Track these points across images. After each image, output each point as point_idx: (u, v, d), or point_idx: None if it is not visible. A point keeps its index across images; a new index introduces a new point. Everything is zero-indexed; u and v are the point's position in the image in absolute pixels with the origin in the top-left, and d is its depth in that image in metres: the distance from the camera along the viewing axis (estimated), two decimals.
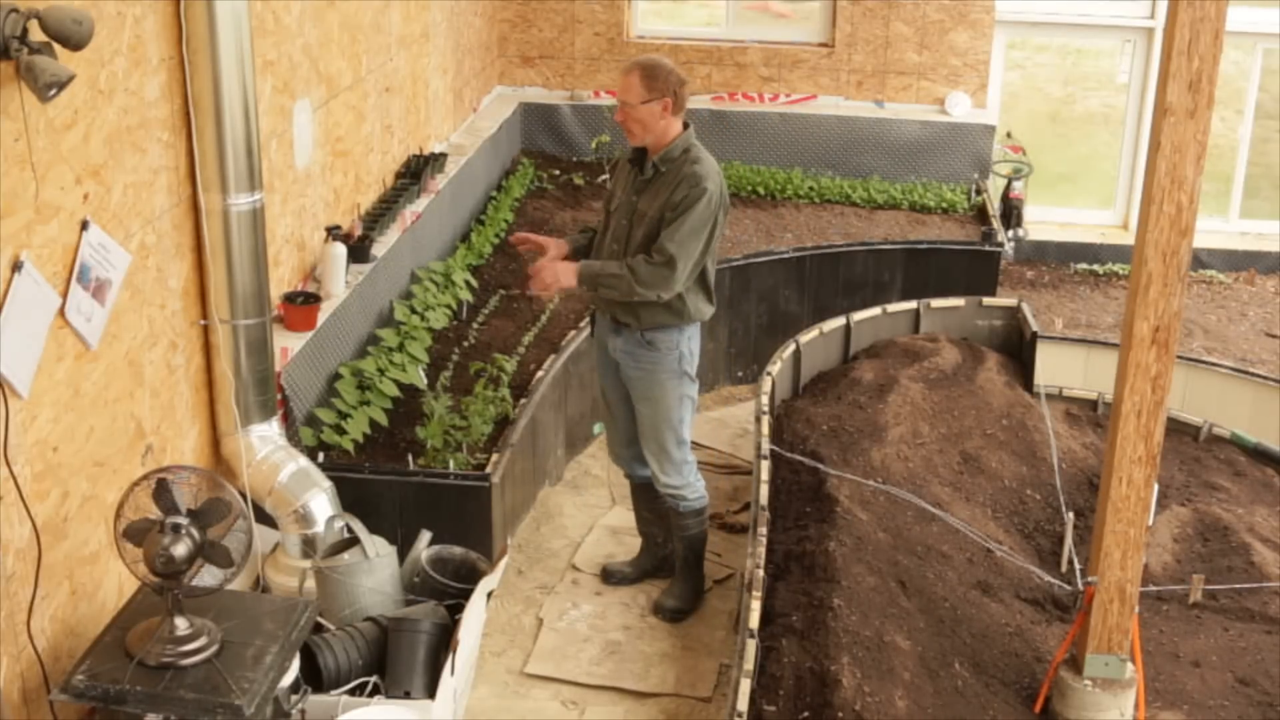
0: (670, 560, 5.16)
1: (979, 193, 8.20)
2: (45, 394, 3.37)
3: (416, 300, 6.07)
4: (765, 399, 5.56)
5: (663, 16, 9.16)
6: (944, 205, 8.01)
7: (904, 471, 5.24)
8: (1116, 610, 3.94)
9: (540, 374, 5.57)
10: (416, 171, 6.55)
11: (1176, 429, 5.75)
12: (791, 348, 6.08)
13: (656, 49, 8.60)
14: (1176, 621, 4.65)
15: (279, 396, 4.60)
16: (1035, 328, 6.18)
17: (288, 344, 4.83)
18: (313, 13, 5.28)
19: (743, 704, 3.71)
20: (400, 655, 3.94)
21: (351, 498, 4.56)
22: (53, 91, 3.04)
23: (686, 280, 4.54)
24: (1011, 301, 6.53)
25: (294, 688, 3.58)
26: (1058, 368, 6.15)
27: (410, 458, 4.87)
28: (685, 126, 4.62)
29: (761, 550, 4.49)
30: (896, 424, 5.52)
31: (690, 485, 4.88)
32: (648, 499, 5.09)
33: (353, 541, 4.32)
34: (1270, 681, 4.27)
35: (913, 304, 6.50)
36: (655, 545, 5.20)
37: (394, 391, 5.25)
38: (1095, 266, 8.57)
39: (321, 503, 4.37)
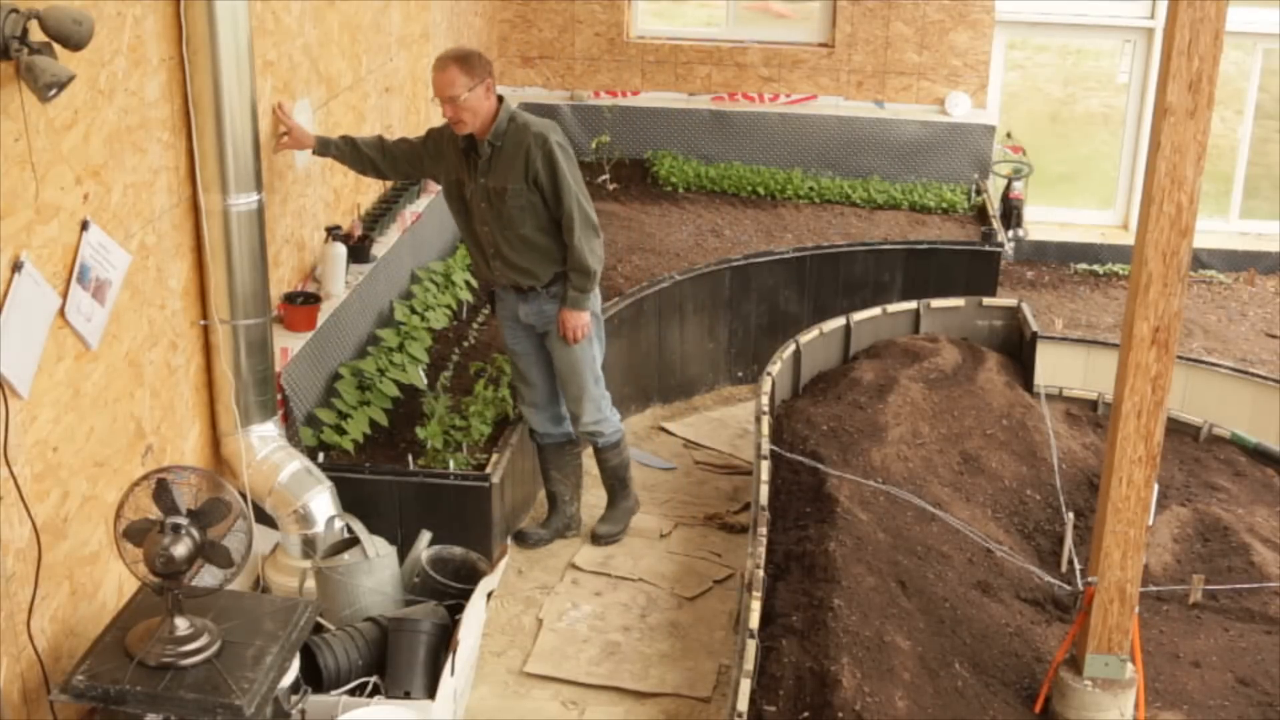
0: (577, 519, 5.52)
1: (979, 193, 8.20)
2: (45, 394, 3.37)
3: (416, 300, 6.07)
4: (765, 399, 5.56)
5: (663, 16, 9.16)
6: (944, 205, 8.01)
7: (904, 471, 5.24)
8: (1116, 610, 3.94)
9: None
10: None
11: (1176, 429, 5.75)
12: (791, 348, 6.08)
13: (656, 49, 8.62)
14: (1176, 621, 4.65)
15: (279, 396, 4.60)
16: (1035, 328, 6.18)
17: (288, 344, 4.83)
18: (313, 13, 5.28)
19: (743, 704, 3.71)
20: (400, 655, 3.94)
21: (351, 498, 4.57)
22: (53, 91, 3.04)
23: (588, 225, 4.94)
24: (1011, 302, 6.53)
25: (294, 688, 3.58)
26: (1058, 368, 6.15)
27: (410, 458, 4.87)
28: (500, 100, 4.89)
29: (761, 550, 4.49)
30: (896, 424, 5.52)
31: (607, 420, 5.28)
32: (557, 459, 5.40)
33: (353, 541, 4.33)
34: (1270, 682, 4.27)
35: (913, 304, 6.49)
36: (564, 504, 5.48)
37: (394, 391, 5.25)
38: (1095, 266, 8.57)
39: (321, 503, 4.37)
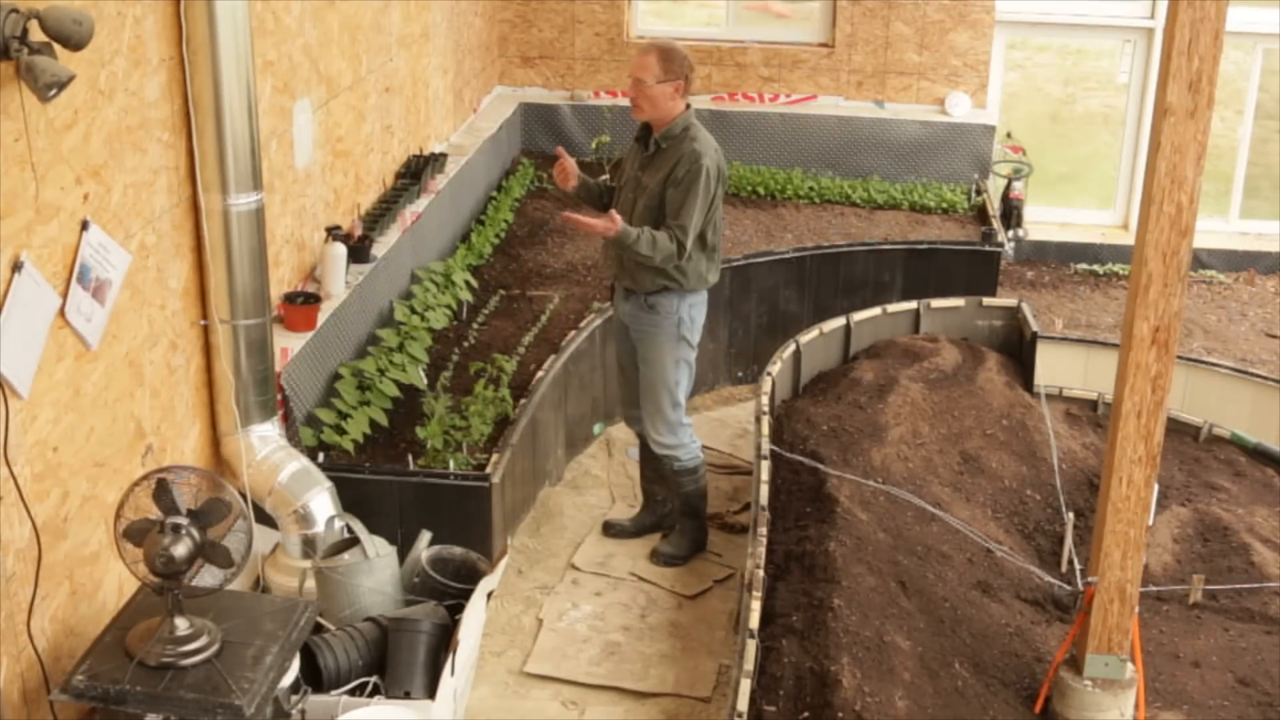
0: (669, 519, 5.45)
1: (979, 193, 8.20)
2: (45, 394, 3.37)
3: (416, 300, 6.07)
4: (765, 399, 5.56)
5: (663, 17, 9.16)
6: (944, 205, 8.01)
7: (904, 471, 5.24)
8: (1116, 610, 3.94)
9: (540, 374, 5.57)
10: (416, 171, 6.55)
11: (1176, 429, 5.75)
12: (791, 348, 6.08)
13: None
14: (1176, 621, 4.65)
15: (279, 396, 4.60)
16: (1035, 328, 6.18)
17: (288, 344, 4.83)
18: (313, 13, 5.28)
19: (743, 704, 3.71)
20: (400, 655, 3.94)
21: (351, 498, 4.57)
22: (53, 91, 3.04)
23: (691, 248, 4.88)
24: (1011, 302, 6.53)
25: (294, 688, 3.58)
26: (1058, 368, 6.15)
27: (410, 458, 4.87)
28: (686, 107, 4.94)
29: (761, 550, 4.49)
30: (896, 424, 5.52)
31: (684, 446, 5.20)
32: (652, 458, 5.35)
33: (353, 541, 4.33)
34: (1270, 682, 4.27)
35: (913, 304, 6.50)
36: (656, 503, 5.48)
37: (394, 391, 5.25)
38: (1095, 266, 8.57)
39: (322, 503, 4.37)
